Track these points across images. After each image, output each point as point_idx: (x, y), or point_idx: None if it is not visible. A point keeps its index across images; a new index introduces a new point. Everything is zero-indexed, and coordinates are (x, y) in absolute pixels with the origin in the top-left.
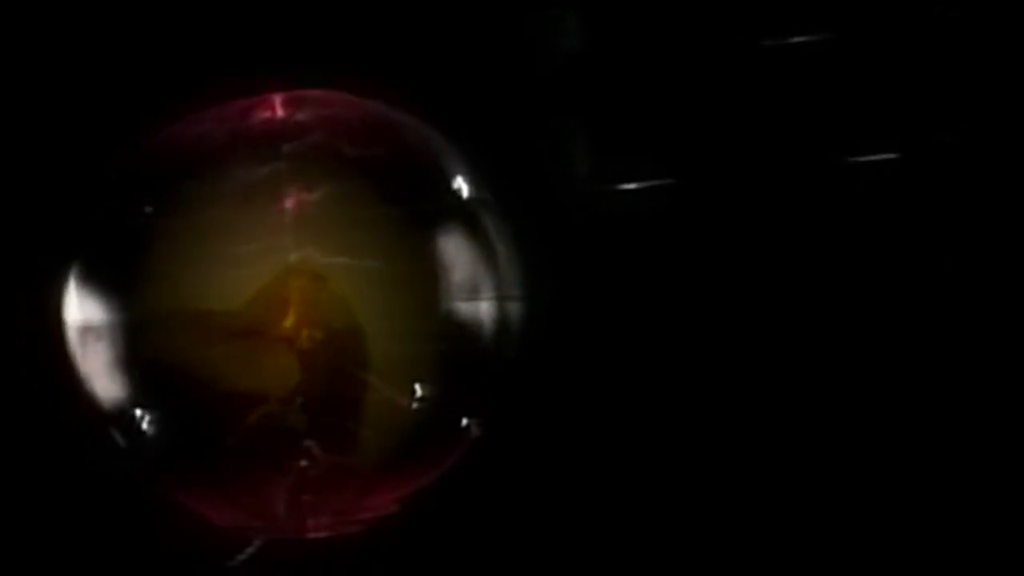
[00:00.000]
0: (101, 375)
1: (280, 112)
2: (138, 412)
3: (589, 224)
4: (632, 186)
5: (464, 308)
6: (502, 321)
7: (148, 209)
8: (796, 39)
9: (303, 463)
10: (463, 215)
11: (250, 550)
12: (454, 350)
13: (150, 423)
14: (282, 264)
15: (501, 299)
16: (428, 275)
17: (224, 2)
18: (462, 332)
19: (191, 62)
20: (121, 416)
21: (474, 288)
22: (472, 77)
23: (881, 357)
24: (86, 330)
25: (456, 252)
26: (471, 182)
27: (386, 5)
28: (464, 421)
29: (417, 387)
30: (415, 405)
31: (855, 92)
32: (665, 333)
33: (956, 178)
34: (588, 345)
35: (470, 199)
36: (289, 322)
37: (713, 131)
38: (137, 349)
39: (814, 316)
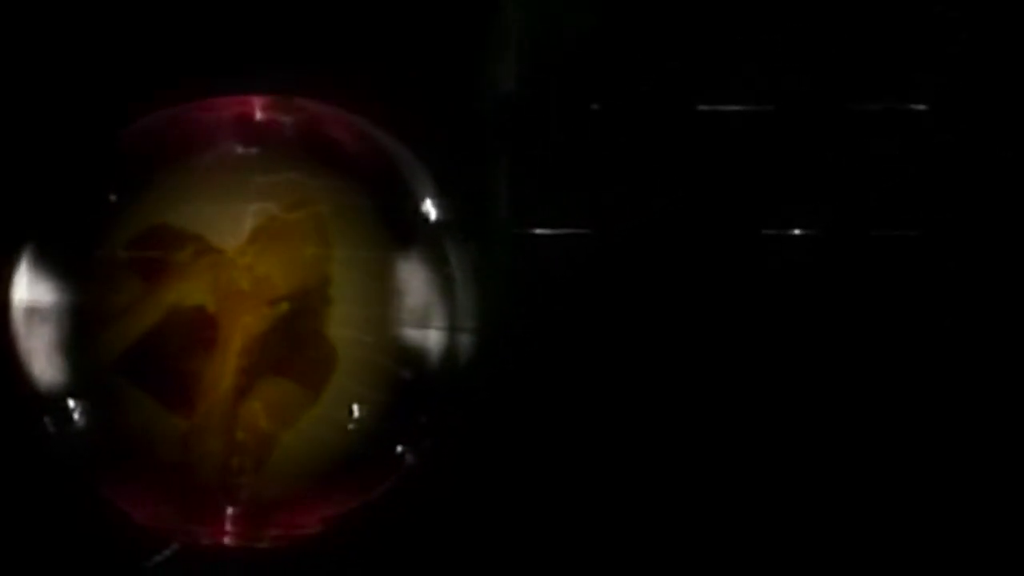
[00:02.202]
0: (41, 358)
1: (258, 115)
2: (71, 402)
3: (503, 263)
4: (548, 231)
5: (414, 335)
6: (450, 353)
7: (112, 198)
8: (732, 107)
9: (230, 470)
10: (426, 239)
11: (167, 552)
12: (398, 376)
13: (82, 414)
14: (236, 265)
15: (452, 330)
16: (382, 296)
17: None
18: (408, 359)
19: (171, 56)
20: (55, 404)
21: (426, 315)
22: (411, 107)
23: (788, 400)
24: (32, 311)
25: (413, 276)
26: (439, 207)
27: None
28: (399, 448)
29: (355, 407)
30: (350, 426)
31: (782, 166)
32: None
33: (872, 263)
34: (519, 384)
35: (434, 224)
36: (234, 325)
37: (636, 188)
38: (80, 335)
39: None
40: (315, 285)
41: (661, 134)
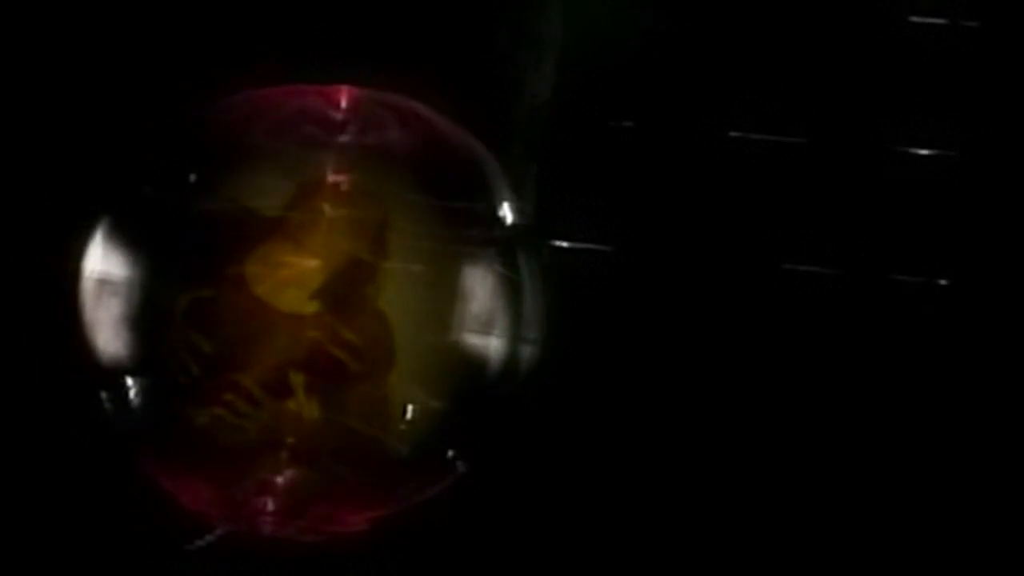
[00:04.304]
0: (106, 331)
1: (343, 106)
2: (129, 380)
3: None
4: (568, 244)
5: (475, 341)
6: (510, 362)
7: (192, 178)
8: (763, 136)
9: (279, 461)
10: (500, 247)
11: (209, 537)
12: (455, 381)
13: (139, 392)
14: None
15: (514, 338)
16: (447, 298)
17: None
18: (468, 365)
19: (260, 40)
20: (113, 379)
21: (489, 322)
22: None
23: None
24: (103, 283)
25: (481, 281)
26: (515, 211)
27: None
28: (450, 454)
29: (409, 408)
30: (402, 426)
31: (807, 199)
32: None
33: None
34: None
35: (509, 228)
36: (307, 309)
37: (661, 209)
38: (148, 313)
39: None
40: (384, 272)
41: (690, 157)
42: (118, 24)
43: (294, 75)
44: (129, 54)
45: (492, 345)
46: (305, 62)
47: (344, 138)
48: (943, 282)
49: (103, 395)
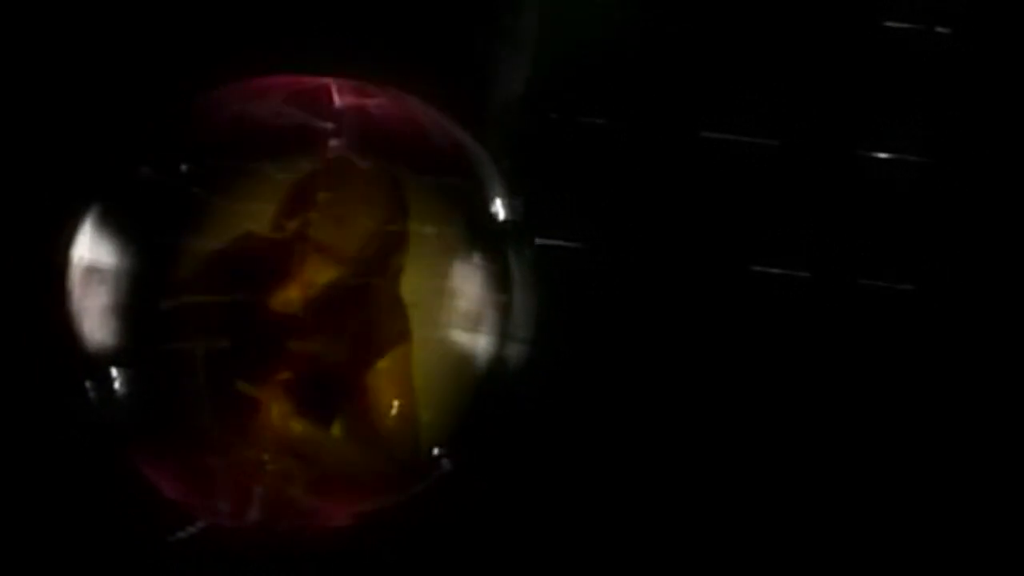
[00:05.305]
0: (92, 320)
1: (336, 100)
2: (114, 371)
3: None
4: (538, 241)
5: (463, 338)
6: (499, 361)
7: (184, 168)
8: (736, 137)
9: (263, 453)
10: (490, 240)
11: (192, 529)
12: (444, 378)
13: (124, 383)
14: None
15: (504, 337)
16: (435, 294)
17: None
18: (455, 362)
19: (250, 30)
20: (99, 370)
21: (478, 319)
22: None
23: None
24: (91, 271)
25: (471, 277)
26: (508, 208)
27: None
28: (435, 451)
29: (395, 403)
30: (388, 423)
31: (778, 202)
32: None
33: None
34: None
35: (501, 225)
36: (291, 295)
37: (631, 207)
38: (136, 303)
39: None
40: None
41: (662, 156)
42: (108, 8)
43: (276, 67)
44: (117, 39)
45: (480, 343)
46: (284, 54)
47: (334, 129)
48: (907, 287)
49: (88, 384)
